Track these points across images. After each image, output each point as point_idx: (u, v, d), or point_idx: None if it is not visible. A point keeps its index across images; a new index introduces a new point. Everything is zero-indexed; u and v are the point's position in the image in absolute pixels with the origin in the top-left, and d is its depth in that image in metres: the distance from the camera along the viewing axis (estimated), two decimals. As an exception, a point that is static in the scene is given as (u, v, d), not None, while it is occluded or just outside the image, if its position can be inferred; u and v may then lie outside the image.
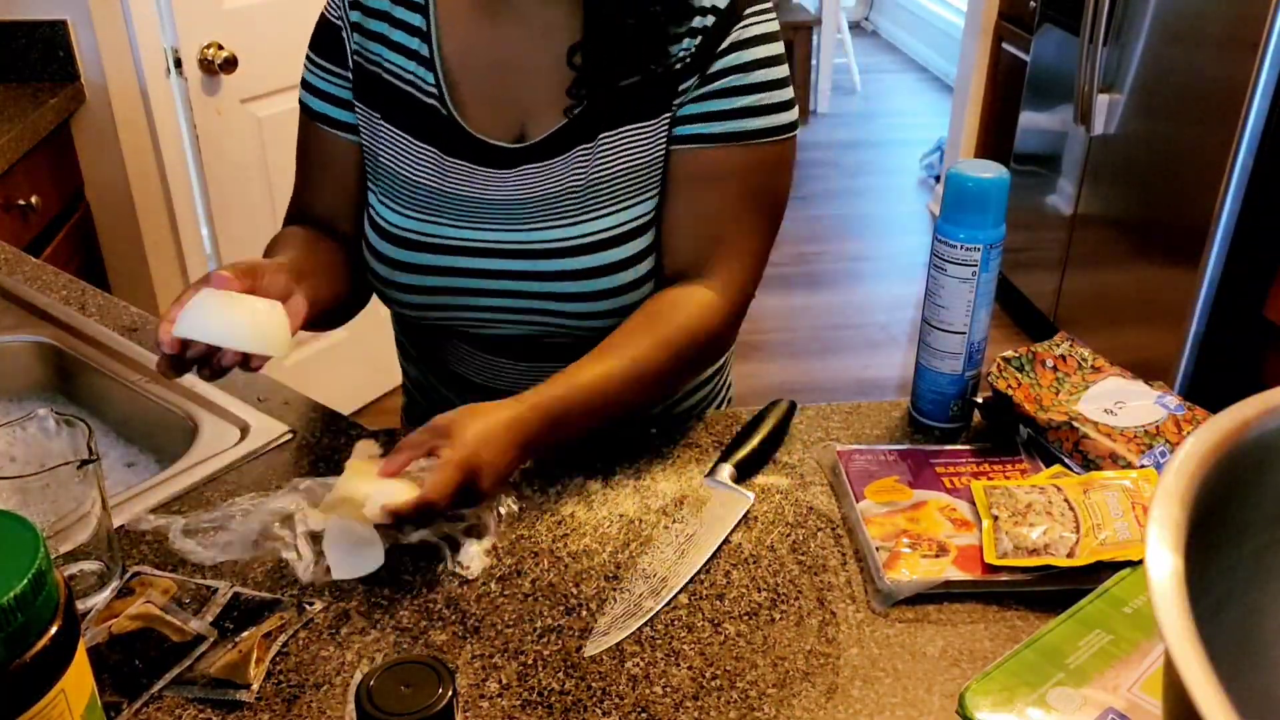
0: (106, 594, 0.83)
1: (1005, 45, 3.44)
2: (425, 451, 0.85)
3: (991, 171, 0.96)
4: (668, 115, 0.97)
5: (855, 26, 6.93)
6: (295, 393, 1.13)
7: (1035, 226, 3.17)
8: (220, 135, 2.33)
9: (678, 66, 0.95)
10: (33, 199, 2.01)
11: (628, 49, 0.94)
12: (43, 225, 2.09)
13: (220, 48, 2.25)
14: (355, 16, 1.01)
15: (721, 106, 0.96)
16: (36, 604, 0.56)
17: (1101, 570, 0.81)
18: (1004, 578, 0.85)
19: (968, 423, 1.06)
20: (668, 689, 0.77)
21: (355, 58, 1.02)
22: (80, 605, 0.82)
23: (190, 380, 1.14)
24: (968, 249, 0.97)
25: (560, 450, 0.98)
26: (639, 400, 0.97)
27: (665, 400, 1.09)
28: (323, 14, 1.05)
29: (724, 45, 0.94)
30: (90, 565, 0.84)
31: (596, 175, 0.98)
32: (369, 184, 1.06)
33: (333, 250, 1.07)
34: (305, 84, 1.07)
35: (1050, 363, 1.06)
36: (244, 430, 1.06)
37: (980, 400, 1.05)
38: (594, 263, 0.99)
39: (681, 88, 0.96)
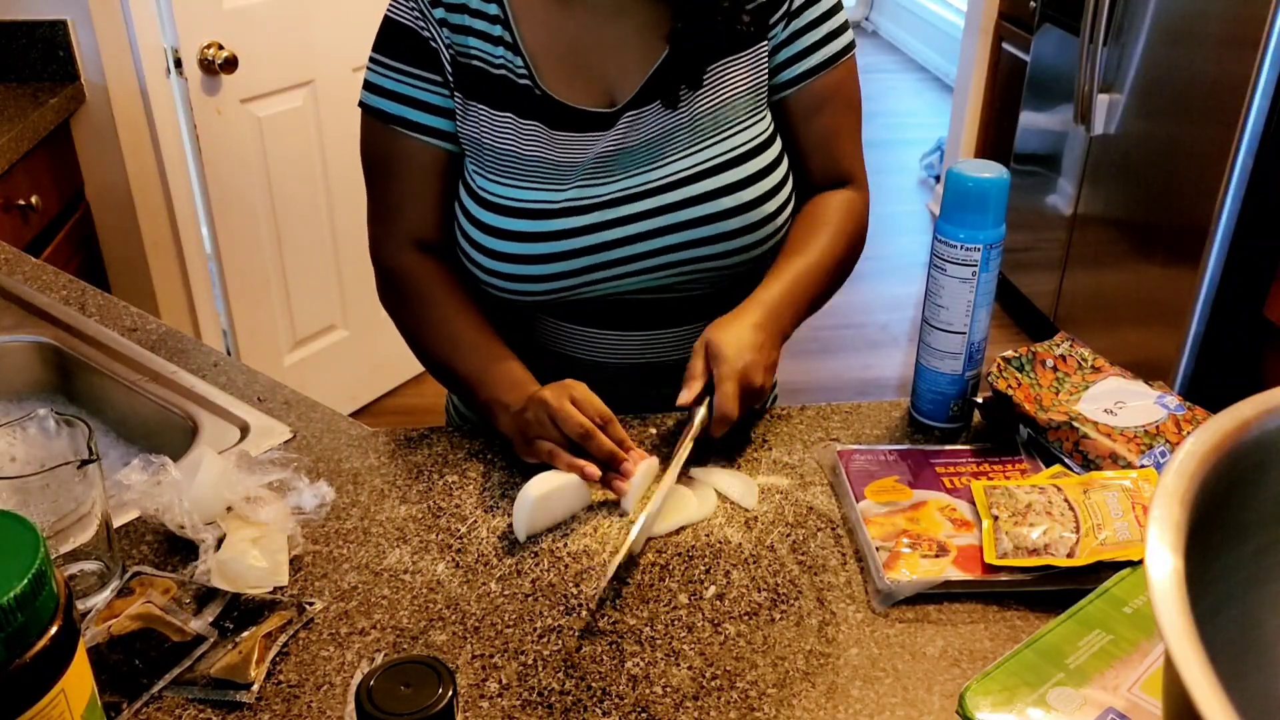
0: (106, 594, 0.83)
1: (1005, 45, 3.44)
2: (707, 376, 0.98)
3: (991, 171, 0.96)
4: (764, 44, 1.07)
5: (855, 26, 6.92)
6: (295, 393, 1.13)
7: (1035, 226, 3.17)
8: (220, 135, 2.33)
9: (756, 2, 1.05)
10: (33, 199, 2.01)
11: (711, 10, 1.04)
12: (43, 225, 2.09)
13: (220, 48, 2.25)
14: (440, 14, 1.03)
15: (811, 40, 1.08)
16: (36, 604, 0.56)
17: (1101, 570, 0.81)
18: (1004, 578, 0.85)
19: (968, 423, 1.06)
20: (668, 689, 0.77)
21: (451, 52, 1.03)
22: (80, 605, 0.82)
23: (190, 381, 1.14)
24: (968, 249, 0.97)
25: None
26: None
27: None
28: (393, 20, 1.05)
29: None
30: (90, 565, 0.84)
31: (700, 109, 1.05)
32: (477, 169, 1.06)
33: (458, 275, 1.10)
34: (396, 95, 1.05)
35: (1050, 363, 1.06)
36: (244, 430, 1.06)
37: (980, 400, 1.05)
38: (724, 180, 1.05)
39: (772, 20, 1.06)
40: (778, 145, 1.10)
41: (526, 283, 1.06)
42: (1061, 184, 3.03)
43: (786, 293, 1.04)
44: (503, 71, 1.04)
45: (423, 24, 1.03)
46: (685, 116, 1.05)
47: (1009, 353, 1.05)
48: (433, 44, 1.03)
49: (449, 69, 1.04)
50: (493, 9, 1.03)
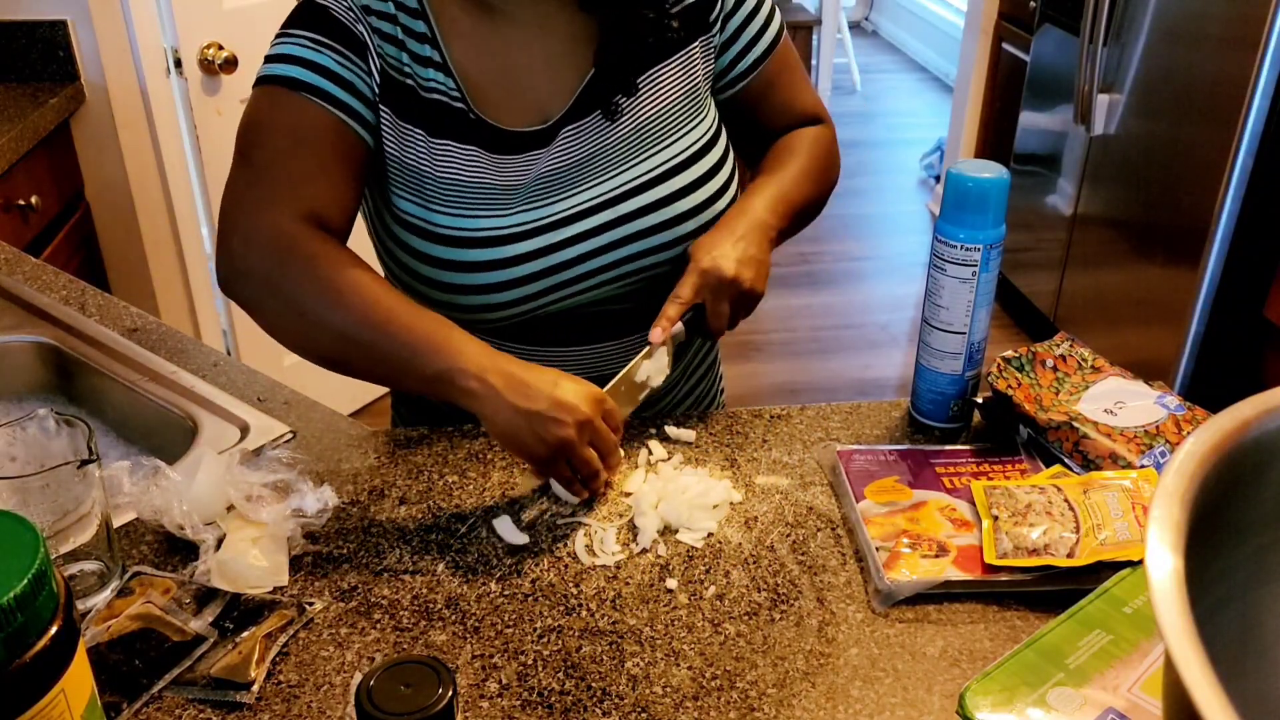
0: (106, 594, 0.83)
1: (1005, 45, 3.44)
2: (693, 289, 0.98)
3: (991, 171, 0.96)
4: (697, 43, 1.06)
5: (855, 26, 6.94)
6: (295, 393, 1.13)
7: (1035, 226, 3.17)
8: (220, 135, 2.33)
9: (687, 1, 1.04)
10: (33, 199, 2.01)
11: (637, 21, 1.02)
12: (43, 225, 2.09)
13: (220, 48, 2.25)
14: (374, 22, 0.97)
15: (751, 33, 1.09)
16: (37, 604, 0.56)
17: (1101, 570, 0.81)
18: (1004, 578, 0.85)
19: (968, 423, 1.06)
20: (668, 689, 0.77)
21: (382, 62, 0.97)
22: (80, 605, 0.82)
23: (190, 381, 1.14)
24: (968, 249, 0.97)
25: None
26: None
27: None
28: (323, 7, 0.96)
29: None
30: (90, 565, 0.84)
31: (641, 117, 1.04)
32: (410, 197, 1.00)
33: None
34: (317, 66, 0.95)
35: (1050, 363, 1.06)
36: (244, 430, 1.06)
37: (980, 400, 1.05)
38: (673, 186, 1.04)
39: (711, 19, 1.06)
40: (723, 141, 1.09)
41: (480, 312, 1.02)
42: (1061, 184, 3.03)
43: (767, 197, 1.05)
44: (435, 95, 0.99)
45: (353, 18, 0.96)
46: (626, 127, 1.03)
47: (1009, 353, 1.05)
48: (362, 38, 0.96)
49: (377, 76, 0.97)
50: (420, 26, 0.98)
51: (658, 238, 1.04)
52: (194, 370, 1.16)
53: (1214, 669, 0.41)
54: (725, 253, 0.98)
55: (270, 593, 0.84)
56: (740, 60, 1.10)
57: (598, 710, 0.75)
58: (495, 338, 1.05)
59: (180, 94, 2.30)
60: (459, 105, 0.99)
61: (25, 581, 0.55)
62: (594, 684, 0.77)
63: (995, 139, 3.56)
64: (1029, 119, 3.22)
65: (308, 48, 0.96)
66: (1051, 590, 0.83)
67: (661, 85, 1.04)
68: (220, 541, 0.87)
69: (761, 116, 1.14)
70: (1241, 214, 2.33)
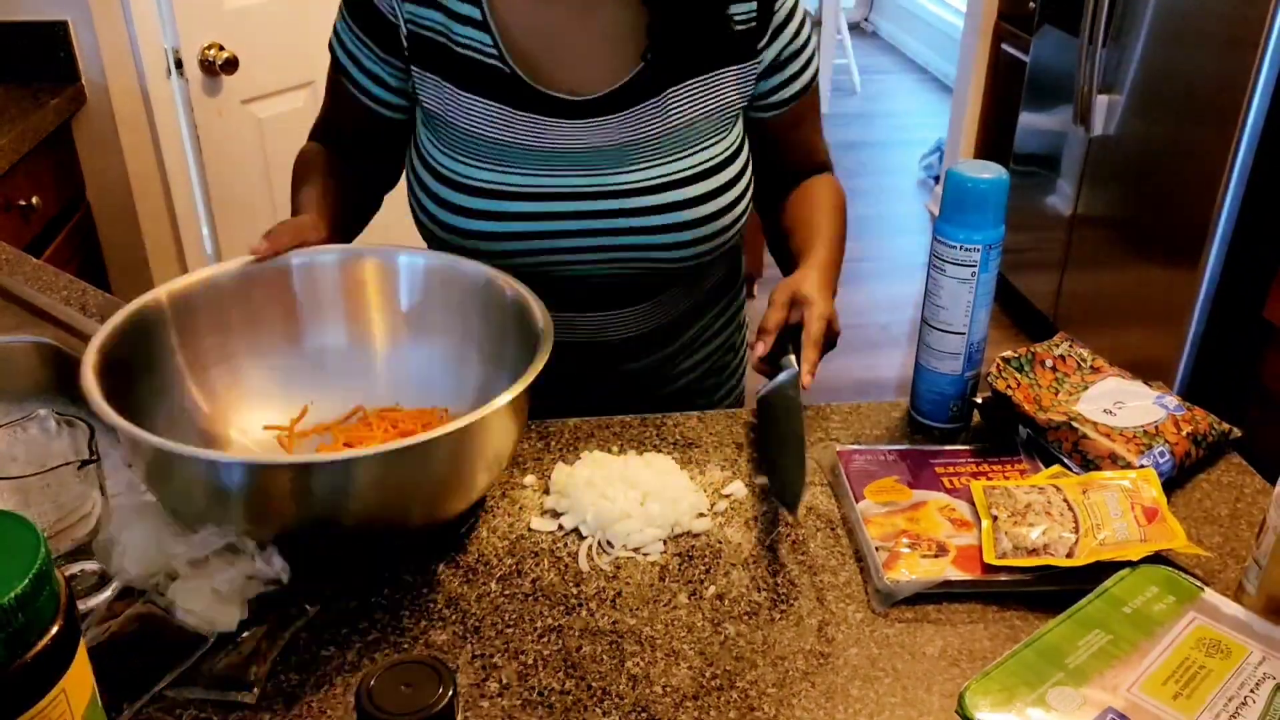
0: (107, 594, 0.83)
1: (1005, 46, 3.44)
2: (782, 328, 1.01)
3: (991, 172, 0.96)
4: (735, 67, 1.08)
5: (855, 27, 6.94)
6: (295, 393, 1.13)
7: (1035, 226, 3.17)
8: (221, 136, 2.33)
9: (741, 27, 1.06)
10: (33, 199, 2.02)
11: (691, 19, 1.05)
12: (43, 225, 2.09)
13: (221, 48, 2.25)
14: None
15: (794, 69, 1.12)
16: (37, 604, 0.56)
17: (1101, 570, 0.81)
18: (1003, 578, 0.85)
19: (967, 423, 1.07)
20: (668, 689, 0.77)
21: (410, 27, 1.05)
22: (81, 605, 0.82)
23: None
24: (967, 249, 0.97)
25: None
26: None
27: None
28: None
29: (779, 7, 1.08)
30: (90, 565, 0.85)
31: (671, 123, 1.06)
32: (434, 142, 1.08)
33: (347, 173, 1.17)
34: (348, 51, 1.09)
35: (1050, 363, 1.06)
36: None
37: (980, 400, 1.05)
38: (677, 197, 1.07)
39: (759, 46, 1.08)
40: (742, 158, 1.12)
41: (478, 259, 1.06)
42: (1061, 184, 3.03)
43: (829, 256, 1.10)
44: (468, 51, 1.04)
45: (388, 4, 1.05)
46: (658, 128, 1.06)
47: (1008, 353, 1.06)
48: (391, 18, 1.05)
49: (405, 45, 1.06)
50: None
51: (658, 237, 1.07)
52: (194, 370, 1.16)
53: None
54: (831, 307, 1.03)
55: (270, 593, 0.84)
56: (779, 91, 1.12)
57: (598, 710, 0.75)
58: None
59: (181, 95, 2.30)
60: (492, 61, 1.04)
61: (26, 581, 0.55)
62: (594, 684, 0.77)
63: (995, 139, 3.56)
64: (1028, 119, 3.22)
65: (346, 31, 1.09)
66: (1051, 590, 0.83)
67: (697, 96, 1.07)
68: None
69: (782, 149, 1.18)
70: (1241, 214, 2.33)
